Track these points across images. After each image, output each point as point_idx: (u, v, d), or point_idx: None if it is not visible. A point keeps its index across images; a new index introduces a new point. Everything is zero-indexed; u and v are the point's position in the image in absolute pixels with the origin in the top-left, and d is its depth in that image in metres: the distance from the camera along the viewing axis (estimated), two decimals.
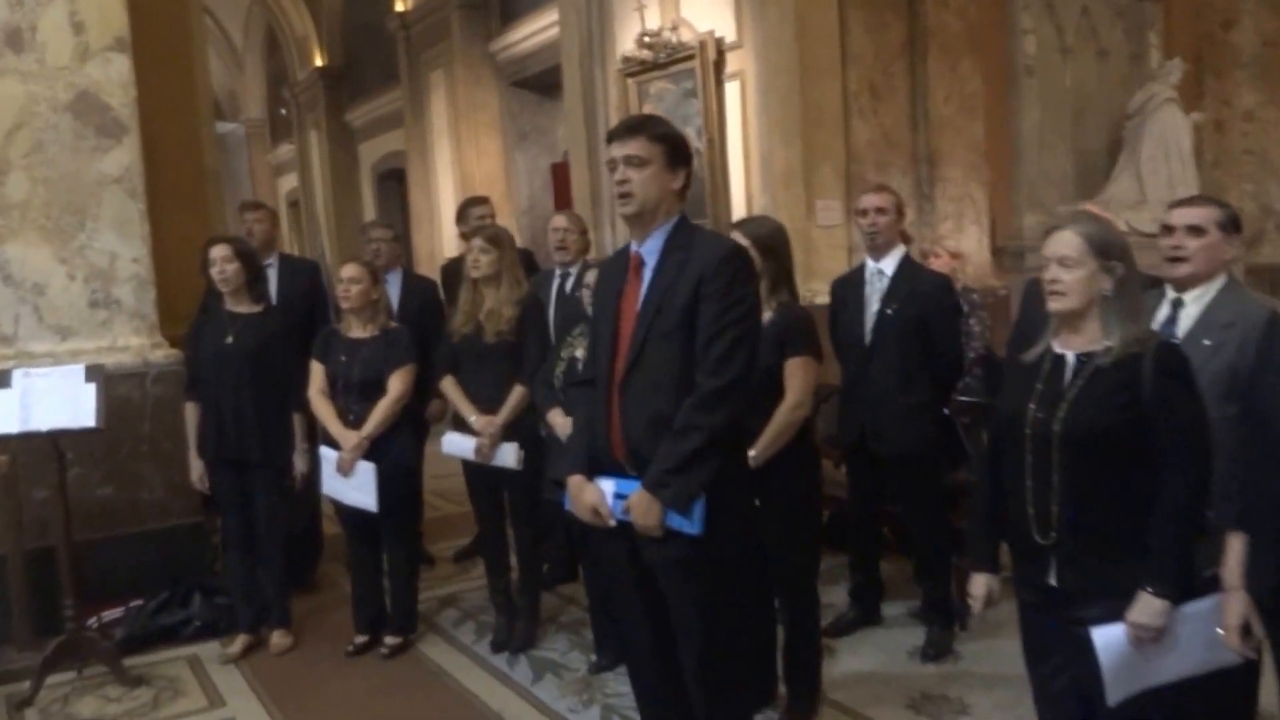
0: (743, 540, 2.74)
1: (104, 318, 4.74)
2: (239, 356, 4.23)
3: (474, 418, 4.10)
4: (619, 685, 3.82)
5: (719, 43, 7.06)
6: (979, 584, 2.59)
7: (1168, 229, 2.80)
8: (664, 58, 7.40)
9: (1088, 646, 2.30)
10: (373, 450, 4.10)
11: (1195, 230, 2.74)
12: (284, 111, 15.64)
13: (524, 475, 4.12)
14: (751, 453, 3.18)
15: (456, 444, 4.19)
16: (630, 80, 7.69)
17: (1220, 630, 2.27)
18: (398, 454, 4.18)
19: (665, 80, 7.54)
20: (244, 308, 4.35)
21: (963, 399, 4.62)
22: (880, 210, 4.09)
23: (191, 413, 4.36)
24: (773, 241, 3.46)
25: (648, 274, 2.68)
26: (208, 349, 4.29)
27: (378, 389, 4.14)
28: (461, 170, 10.82)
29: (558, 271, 4.82)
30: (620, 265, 2.79)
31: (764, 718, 3.51)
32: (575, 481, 2.74)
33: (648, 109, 7.71)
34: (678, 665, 2.74)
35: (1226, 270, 2.77)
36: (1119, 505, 2.30)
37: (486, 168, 10.72)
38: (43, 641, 4.14)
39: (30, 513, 4.33)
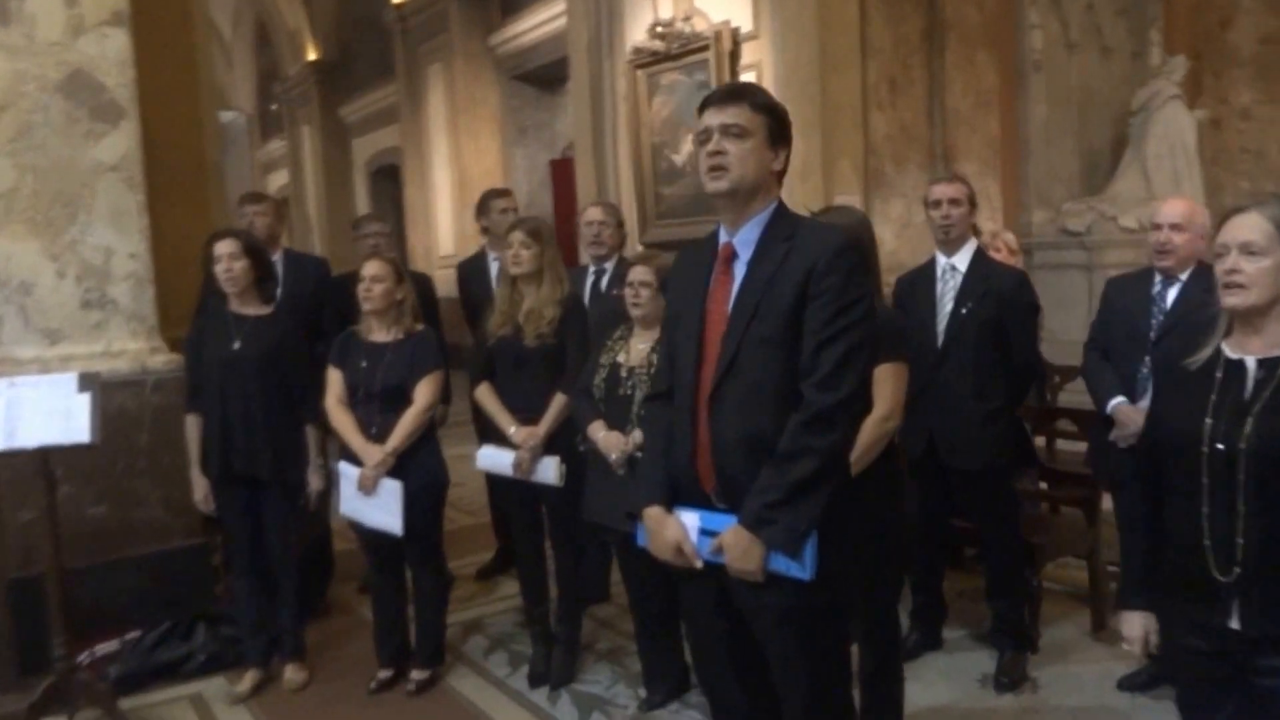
0: (856, 580, 2.24)
1: (98, 320, 4.13)
2: (247, 363, 3.66)
3: (513, 429, 3.57)
4: None
5: (734, 33, 6.71)
6: (1134, 624, 2.15)
7: None
8: (677, 48, 7.06)
9: (1273, 703, 1.89)
10: (397, 466, 3.54)
11: None
12: (274, 107, 15.02)
13: (565, 492, 3.58)
14: None
15: (493, 459, 3.65)
16: (640, 71, 7.35)
17: None
18: (426, 470, 3.62)
19: (677, 72, 7.18)
20: (252, 309, 3.78)
21: None
22: (954, 201, 3.62)
23: (193, 426, 3.77)
24: (859, 234, 2.94)
25: (740, 267, 2.19)
26: (212, 355, 3.71)
27: (402, 398, 3.59)
28: (459, 166, 10.51)
29: (592, 268, 4.29)
30: (704, 257, 2.28)
31: None
32: (654, 515, 2.24)
33: (658, 101, 7.33)
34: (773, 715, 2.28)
35: None
36: None
37: (485, 164, 10.42)
38: (29, 682, 3.56)
39: (13, 537, 3.76)
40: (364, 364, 3.62)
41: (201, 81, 4.96)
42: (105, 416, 3.59)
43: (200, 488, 3.75)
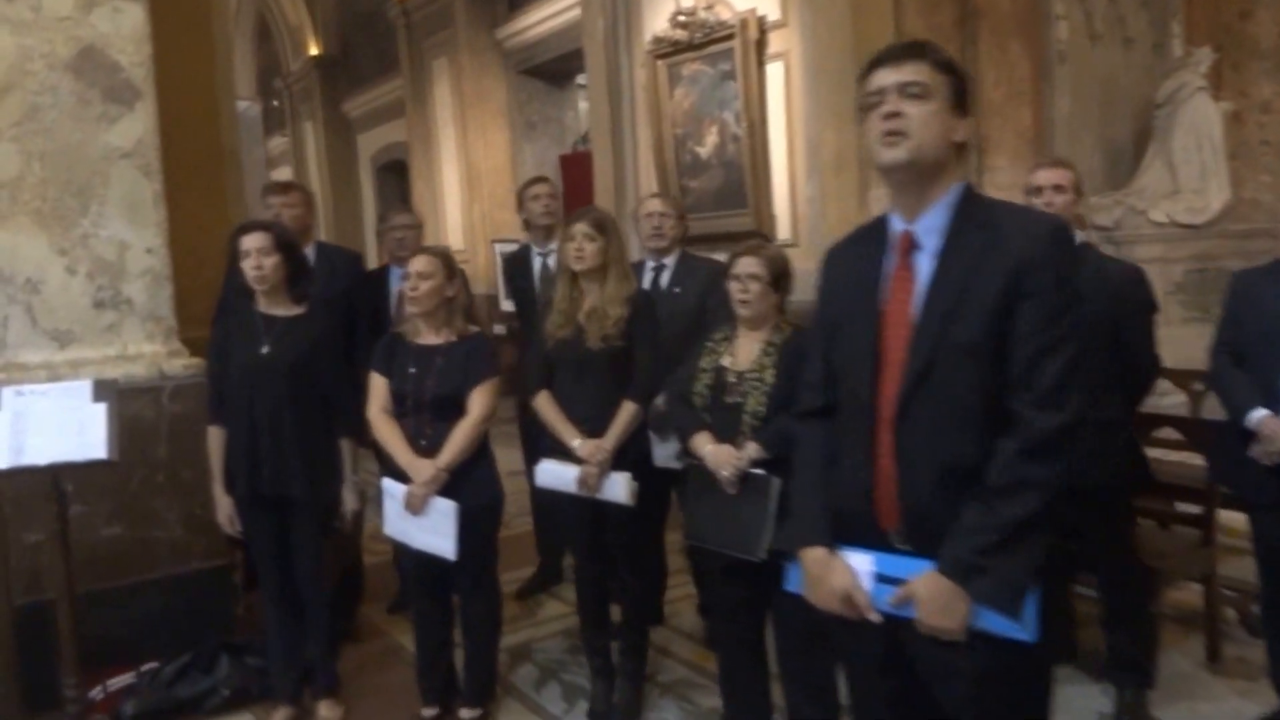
0: (1068, 635, 1.83)
1: (111, 320, 3.68)
2: (278, 369, 3.21)
3: (577, 442, 3.13)
4: None
5: (761, 21, 6.30)
6: None
7: None
8: (700, 38, 6.64)
9: None
10: (449, 484, 3.11)
11: None
12: (276, 103, 14.49)
13: (635, 512, 3.15)
14: None
15: (554, 474, 3.21)
16: (661, 62, 6.95)
17: None
18: (483, 488, 3.18)
19: (700, 62, 6.79)
20: (282, 309, 3.33)
21: None
22: (1058, 188, 3.20)
23: (216, 439, 3.31)
24: None
25: (925, 260, 1.78)
26: (238, 360, 3.26)
27: (455, 408, 3.14)
28: (467, 161, 10.10)
29: (649, 264, 3.85)
30: (868, 249, 1.88)
31: None
32: (818, 558, 1.83)
33: (680, 92, 6.93)
34: None
35: None
36: None
37: (493, 159, 10.00)
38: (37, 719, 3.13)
39: (21, 560, 3.31)
40: (412, 369, 3.17)
41: (219, 65, 4.49)
42: (119, 426, 3.14)
43: (224, 508, 3.30)
